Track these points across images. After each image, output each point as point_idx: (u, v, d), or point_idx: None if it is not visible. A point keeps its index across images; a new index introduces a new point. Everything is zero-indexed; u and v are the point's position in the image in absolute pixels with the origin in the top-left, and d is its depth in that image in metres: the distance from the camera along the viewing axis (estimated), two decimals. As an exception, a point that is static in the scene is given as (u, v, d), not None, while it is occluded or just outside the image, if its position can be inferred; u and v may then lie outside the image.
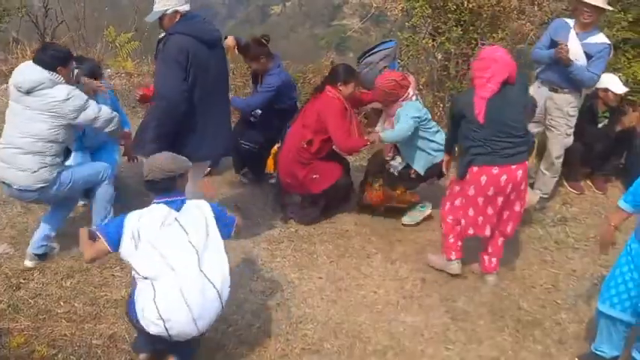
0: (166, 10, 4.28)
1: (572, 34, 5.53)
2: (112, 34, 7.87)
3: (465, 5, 7.03)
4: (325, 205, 5.63)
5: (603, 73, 5.70)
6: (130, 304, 3.54)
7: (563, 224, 5.89)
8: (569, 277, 5.09)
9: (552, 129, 5.86)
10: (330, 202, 5.65)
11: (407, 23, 7.42)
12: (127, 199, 5.22)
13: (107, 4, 13.85)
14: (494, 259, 4.85)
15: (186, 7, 4.32)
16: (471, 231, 4.65)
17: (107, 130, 4.62)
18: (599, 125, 6.39)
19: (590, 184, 6.66)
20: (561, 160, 5.96)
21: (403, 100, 5.25)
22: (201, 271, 3.44)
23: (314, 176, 5.40)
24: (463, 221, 4.66)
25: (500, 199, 4.47)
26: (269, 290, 4.68)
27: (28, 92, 4.26)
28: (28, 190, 4.38)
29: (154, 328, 3.37)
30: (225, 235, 3.69)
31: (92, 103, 4.46)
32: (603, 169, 6.61)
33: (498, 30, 7.06)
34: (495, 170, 4.35)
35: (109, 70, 8.03)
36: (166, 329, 3.35)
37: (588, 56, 5.47)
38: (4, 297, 4.32)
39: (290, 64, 8.39)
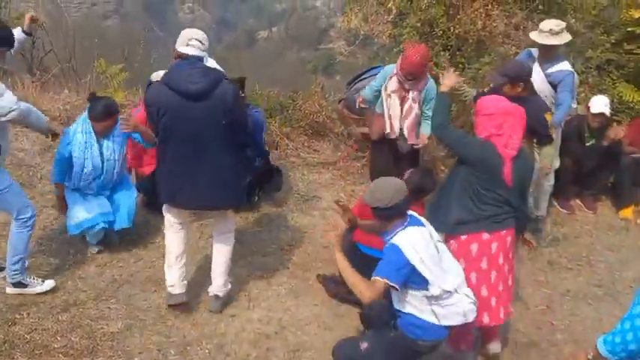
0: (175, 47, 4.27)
1: (536, 68, 5.70)
2: (103, 65, 7.92)
3: (452, 31, 7.17)
4: None
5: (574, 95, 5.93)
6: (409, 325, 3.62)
7: (556, 245, 5.95)
8: (564, 298, 5.15)
9: (538, 151, 5.97)
10: None
11: (395, 49, 7.53)
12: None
13: (96, 35, 13.95)
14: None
15: (183, 50, 4.14)
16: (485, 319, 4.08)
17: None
18: (588, 144, 6.47)
19: (581, 203, 6.74)
20: (552, 181, 6.05)
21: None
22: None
23: None
24: None
25: (494, 274, 4.00)
26: (266, 319, 4.68)
27: None
28: None
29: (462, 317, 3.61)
30: None
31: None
32: (592, 187, 6.70)
33: (484, 54, 7.18)
34: (486, 236, 3.96)
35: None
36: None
37: (553, 85, 5.67)
38: (0, 333, 4.28)
39: (280, 90, 8.47)
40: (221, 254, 4.64)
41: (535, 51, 5.84)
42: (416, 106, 5.43)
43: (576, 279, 5.43)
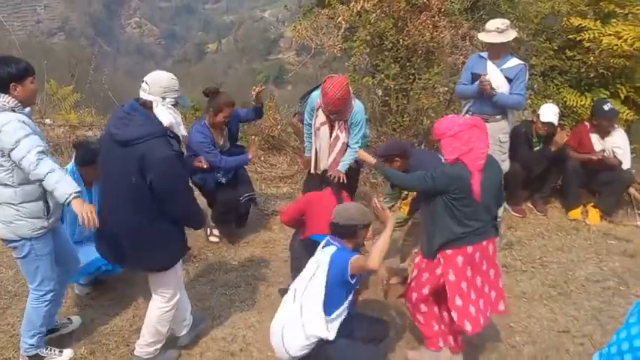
0: None
1: (490, 64, 5.91)
2: (54, 87, 7.81)
3: (401, 43, 7.30)
4: None
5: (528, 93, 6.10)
6: None
7: (510, 248, 6.10)
8: (520, 300, 5.28)
9: None
10: None
11: (346, 63, 7.64)
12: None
13: (42, 53, 13.69)
14: (459, 337, 4.35)
15: (141, 94, 3.74)
16: (468, 327, 4.03)
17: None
18: (535, 149, 6.67)
19: (532, 206, 6.95)
20: (502, 185, 6.21)
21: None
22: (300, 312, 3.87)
23: None
24: (455, 314, 4.05)
25: (479, 279, 4.08)
26: (230, 336, 4.69)
27: None
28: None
29: None
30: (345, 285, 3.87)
31: (27, 140, 3.61)
32: (542, 191, 6.92)
33: (434, 65, 7.33)
34: (470, 249, 3.99)
35: (48, 120, 7.94)
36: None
37: (509, 80, 5.85)
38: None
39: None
40: (148, 315, 4.18)
41: (484, 53, 6.04)
42: (343, 135, 5.47)
43: (531, 281, 5.57)
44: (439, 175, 3.93)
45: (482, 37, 5.95)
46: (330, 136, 5.49)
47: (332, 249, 3.89)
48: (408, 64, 7.48)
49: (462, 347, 4.34)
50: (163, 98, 3.69)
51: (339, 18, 7.58)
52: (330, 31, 7.91)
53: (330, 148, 5.53)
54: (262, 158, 7.76)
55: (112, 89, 8.38)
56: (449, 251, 3.99)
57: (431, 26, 7.34)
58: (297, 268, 4.66)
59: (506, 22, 5.89)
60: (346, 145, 5.51)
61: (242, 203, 5.93)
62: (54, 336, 4.45)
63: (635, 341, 2.60)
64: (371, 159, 4.46)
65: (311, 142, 5.70)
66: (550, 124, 6.38)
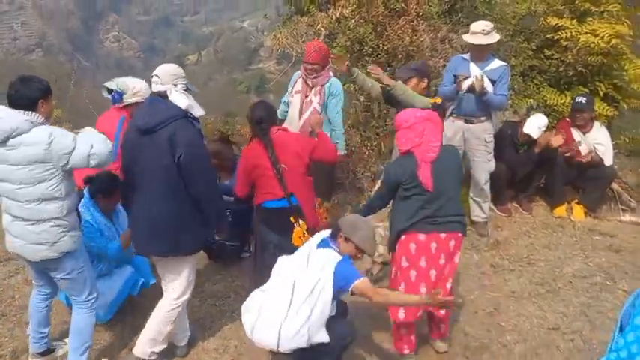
0: None
1: (473, 66, 5.95)
2: (33, 104, 7.72)
3: (381, 48, 7.33)
4: None
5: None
6: None
7: (497, 248, 6.14)
8: (509, 299, 5.31)
9: (474, 158, 6.17)
10: None
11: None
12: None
13: (21, 70, 13.55)
14: (442, 325, 4.56)
15: (154, 87, 4.06)
16: (401, 315, 4.28)
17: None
18: (520, 151, 6.71)
19: (517, 206, 6.98)
20: (488, 184, 6.26)
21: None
22: (287, 313, 3.66)
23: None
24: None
25: (433, 273, 4.16)
26: (222, 347, 4.67)
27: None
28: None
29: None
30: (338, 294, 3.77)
31: (79, 136, 3.83)
32: (527, 191, 6.96)
33: (414, 69, 7.35)
34: (422, 237, 4.11)
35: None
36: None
37: (492, 82, 5.90)
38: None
39: (217, 116, 8.49)
40: (155, 312, 4.35)
41: (467, 55, 6.09)
42: (316, 99, 5.58)
43: (519, 279, 5.60)
44: (384, 173, 4.25)
45: (468, 38, 5.98)
46: (302, 103, 5.61)
47: (331, 254, 3.79)
48: (388, 68, 7.49)
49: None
50: (175, 85, 4.02)
51: (319, 25, 7.60)
52: (310, 39, 7.90)
53: (302, 111, 5.63)
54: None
55: (92, 104, 8.33)
56: (403, 237, 4.17)
57: (410, 30, 7.37)
58: (261, 246, 4.65)
59: (490, 24, 5.94)
60: (317, 112, 5.54)
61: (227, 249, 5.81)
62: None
63: None
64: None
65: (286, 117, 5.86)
66: (529, 135, 6.44)
